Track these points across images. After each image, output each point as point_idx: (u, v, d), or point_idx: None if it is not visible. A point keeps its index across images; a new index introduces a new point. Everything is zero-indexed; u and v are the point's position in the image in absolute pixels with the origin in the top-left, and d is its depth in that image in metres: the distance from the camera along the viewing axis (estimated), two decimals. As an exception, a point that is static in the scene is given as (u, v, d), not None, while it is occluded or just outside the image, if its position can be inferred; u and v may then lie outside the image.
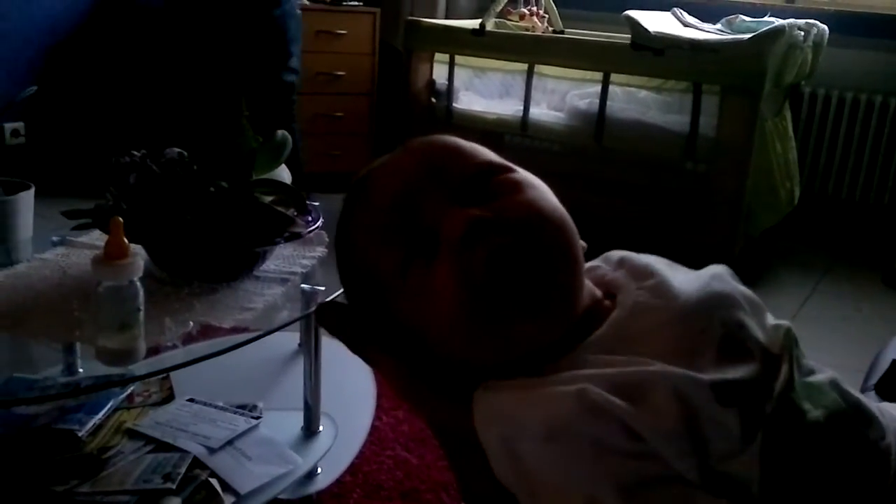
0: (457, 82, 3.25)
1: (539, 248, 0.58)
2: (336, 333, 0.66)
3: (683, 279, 0.62)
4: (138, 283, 1.08)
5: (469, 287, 0.57)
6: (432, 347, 0.60)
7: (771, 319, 0.61)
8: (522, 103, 3.07)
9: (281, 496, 1.39)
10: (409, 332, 0.61)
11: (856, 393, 0.58)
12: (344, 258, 0.67)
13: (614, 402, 0.51)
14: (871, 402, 0.60)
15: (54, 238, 1.47)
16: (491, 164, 0.63)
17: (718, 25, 3.02)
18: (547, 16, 3.54)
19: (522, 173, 0.63)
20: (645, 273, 0.62)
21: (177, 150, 1.32)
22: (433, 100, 3.29)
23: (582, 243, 0.62)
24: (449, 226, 0.58)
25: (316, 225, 1.36)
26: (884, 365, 1.02)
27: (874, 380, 1.00)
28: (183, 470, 1.33)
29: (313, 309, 1.37)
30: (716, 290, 0.60)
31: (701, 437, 0.51)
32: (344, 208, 0.68)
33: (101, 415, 1.45)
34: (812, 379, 0.57)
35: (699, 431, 0.51)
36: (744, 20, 2.97)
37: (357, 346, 0.65)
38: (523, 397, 0.55)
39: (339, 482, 1.53)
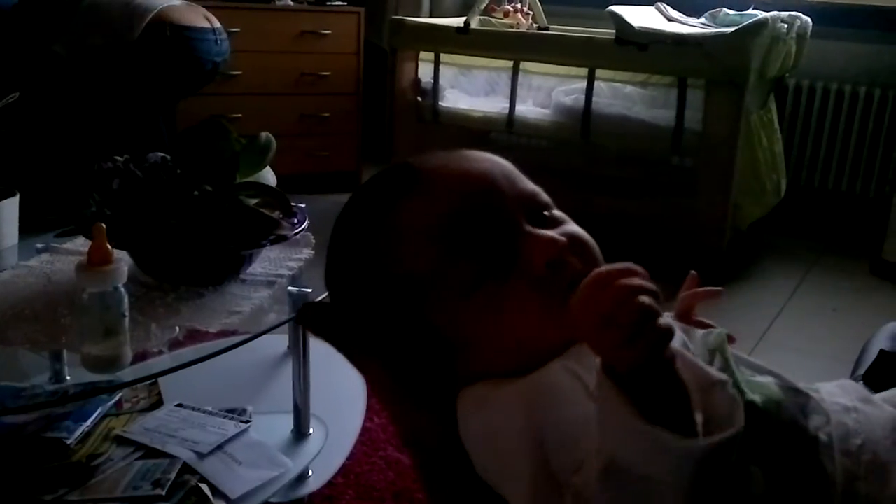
0: (442, 80, 3.24)
1: None
2: (320, 334, 0.66)
3: None
4: (123, 289, 1.07)
5: (550, 310, 0.58)
6: (469, 357, 0.60)
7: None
8: (508, 101, 3.06)
9: (272, 500, 1.38)
10: (441, 340, 0.60)
11: (805, 387, 0.60)
12: (360, 253, 0.64)
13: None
14: (840, 397, 0.61)
15: (39, 245, 1.46)
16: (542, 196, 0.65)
17: (702, 19, 3.03)
18: (531, 13, 3.54)
19: None
20: None
21: (160, 154, 1.31)
22: (419, 98, 3.28)
23: None
24: (532, 248, 0.59)
25: (302, 227, 1.35)
26: (871, 355, 1.01)
27: (862, 370, 1.00)
28: (173, 476, 1.33)
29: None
30: None
31: None
32: (375, 202, 0.64)
33: (89, 422, 1.44)
34: (756, 378, 0.60)
35: None
36: (727, 13, 2.98)
37: (344, 347, 0.65)
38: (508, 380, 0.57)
39: (330, 484, 1.52)
